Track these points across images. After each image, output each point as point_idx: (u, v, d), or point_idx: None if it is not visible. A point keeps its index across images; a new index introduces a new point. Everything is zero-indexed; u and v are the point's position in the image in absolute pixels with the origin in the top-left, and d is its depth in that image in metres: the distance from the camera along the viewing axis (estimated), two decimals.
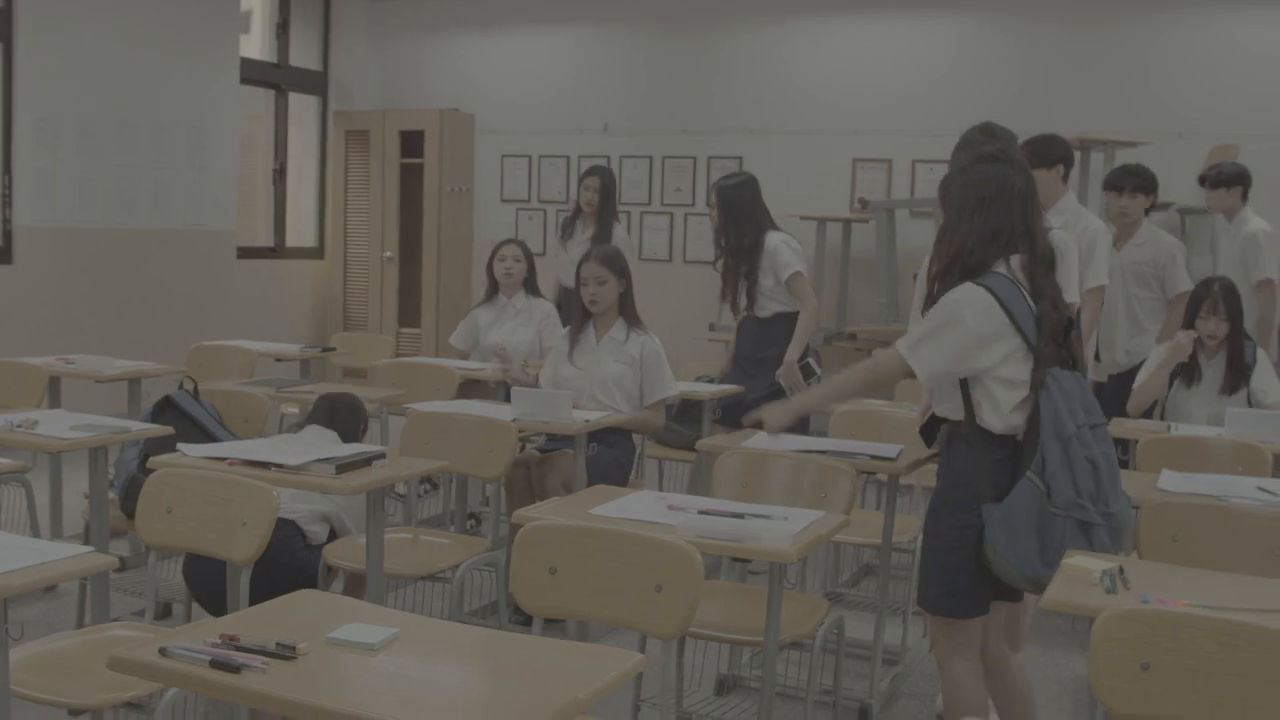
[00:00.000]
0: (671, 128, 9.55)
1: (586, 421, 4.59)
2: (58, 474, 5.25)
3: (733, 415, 5.42)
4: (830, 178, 8.97)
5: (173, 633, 2.25)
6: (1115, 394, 5.59)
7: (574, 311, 5.25)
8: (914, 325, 4.22)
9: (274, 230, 10.11)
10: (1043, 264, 3.18)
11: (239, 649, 2.13)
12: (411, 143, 10.04)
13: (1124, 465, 3.85)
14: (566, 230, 7.46)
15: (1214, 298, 5.23)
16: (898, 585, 4.99)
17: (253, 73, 9.56)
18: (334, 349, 7.22)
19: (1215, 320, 5.22)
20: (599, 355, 5.09)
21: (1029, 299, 3.14)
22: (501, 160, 10.22)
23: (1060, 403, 3.08)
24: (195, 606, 4.13)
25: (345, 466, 3.62)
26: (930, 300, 3.24)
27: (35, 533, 5.16)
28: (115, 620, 3.78)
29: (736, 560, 3.96)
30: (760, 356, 5.61)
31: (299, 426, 4.56)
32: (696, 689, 4.17)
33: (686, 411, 5.71)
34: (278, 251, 10.10)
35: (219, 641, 2.16)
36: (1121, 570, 2.70)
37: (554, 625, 3.57)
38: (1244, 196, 6.45)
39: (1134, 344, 5.98)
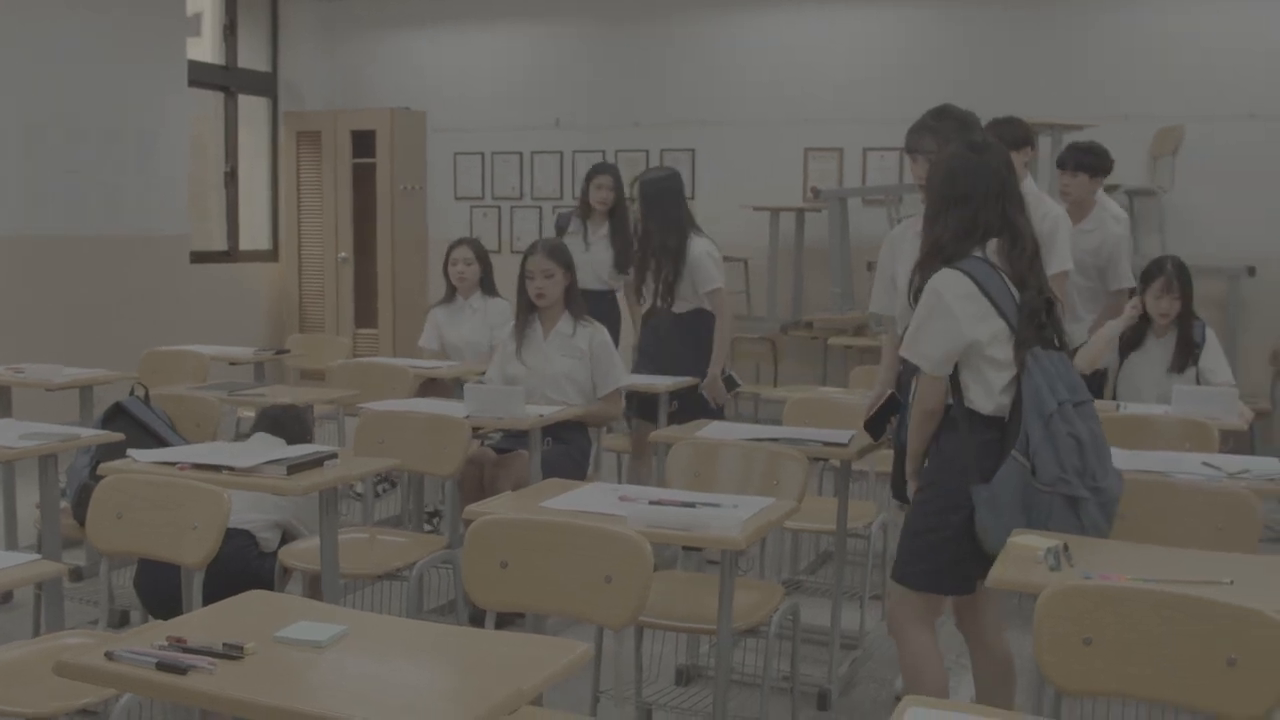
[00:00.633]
0: (623, 121, 9.56)
1: (540, 416, 4.59)
2: (10, 484, 5.19)
3: (688, 407, 5.46)
4: (782, 167, 9.01)
5: (121, 637, 2.24)
6: None
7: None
8: (876, 301, 4.25)
9: (227, 234, 10.05)
10: (1025, 254, 3.20)
11: (186, 650, 2.12)
12: (363, 142, 10.00)
13: None
14: (567, 229, 6.85)
15: (1168, 276, 5.28)
16: (855, 570, 5.02)
17: (201, 75, 9.49)
18: (289, 351, 7.18)
19: (1169, 299, 5.27)
20: (547, 351, 5.08)
21: (1008, 282, 3.17)
22: (454, 158, 10.20)
23: (1041, 381, 3.11)
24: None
25: (297, 467, 3.60)
26: (913, 291, 3.28)
27: None
28: (70, 629, 3.75)
29: (688, 549, 3.97)
30: (676, 351, 5.65)
31: (245, 436, 4.55)
32: (656, 679, 4.19)
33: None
34: (231, 255, 10.05)
35: (165, 644, 2.15)
36: (1066, 547, 2.74)
37: (518, 623, 3.59)
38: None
39: (1069, 331, 6.01)
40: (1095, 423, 3.17)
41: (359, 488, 5.90)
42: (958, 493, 3.16)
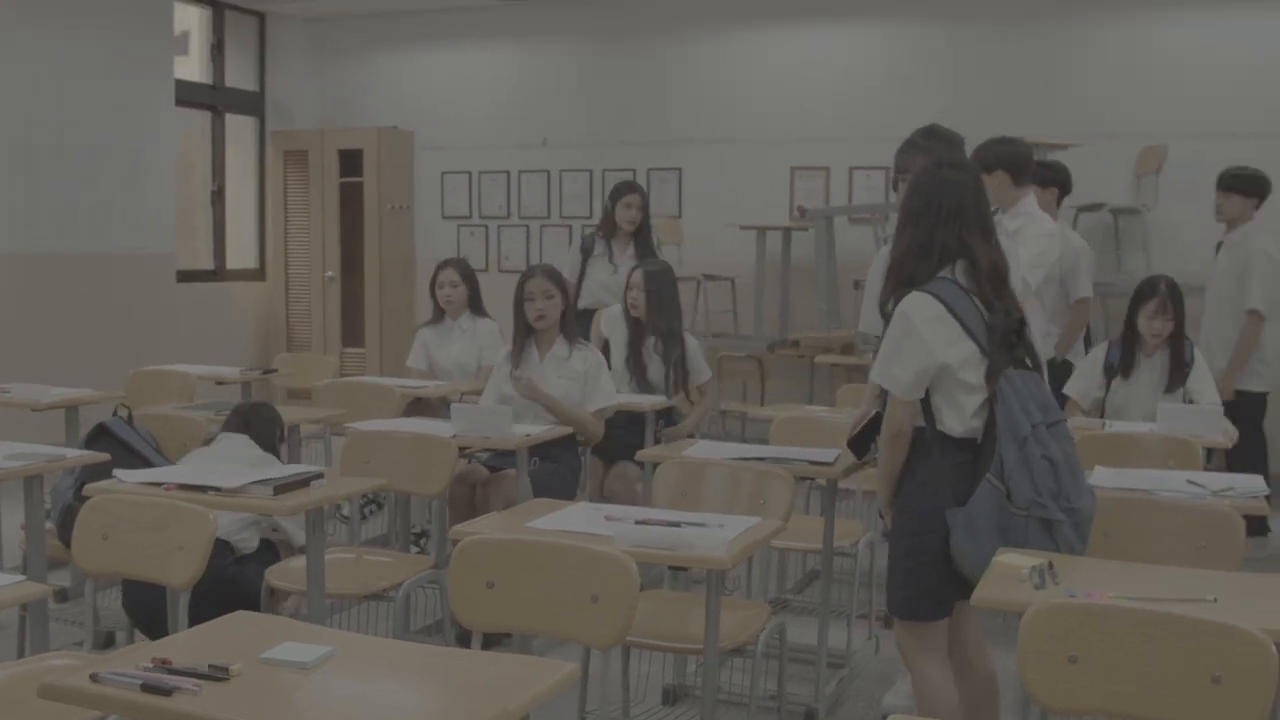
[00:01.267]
0: (610, 140, 9.58)
1: (527, 436, 4.59)
2: None
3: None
4: (769, 186, 9.04)
5: (106, 659, 2.24)
6: None
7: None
8: (865, 320, 4.27)
9: (214, 253, 10.04)
10: (990, 279, 3.18)
11: (171, 672, 2.12)
12: (351, 161, 10.01)
13: None
14: (593, 251, 6.72)
15: (1162, 297, 5.29)
16: (842, 589, 5.03)
17: (188, 94, 9.49)
18: (275, 370, 7.17)
19: (1162, 320, 5.28)
20: (544, 373, 5.10)
21: (979, 304, 3.16)
22: (442, 177, 10.22)
23: (1015, 404, 3.11)
24: (139, 635, 4.09)
25: (283, 487, 3.60)
26: (884, 314, 3.26)
27: None
28: (55, 651, 3.74)
29: (674, 569, 3.98)
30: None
31: (213, 438, 4.55)
32: (643, 699, 4.19)
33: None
34: (218, 274, 10.04)
35: (151, 665, 2.15)
36: (1051, 566, 2.75)
37: (505, 643, 3.58)
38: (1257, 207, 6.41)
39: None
40: (1069, 443, 3.18)
41: (345, 509, 5.89)
42: (932, 516, 3.15)
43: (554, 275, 5.16)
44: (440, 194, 10.24)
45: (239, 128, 10.23)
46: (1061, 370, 5.80)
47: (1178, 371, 5.30)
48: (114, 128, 8.65)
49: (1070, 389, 5.58)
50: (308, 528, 3.66)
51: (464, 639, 4.28)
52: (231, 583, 3.98)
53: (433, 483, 4.31)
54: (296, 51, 10.47)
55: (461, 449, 4.52)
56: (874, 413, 3.81)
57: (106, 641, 4.60)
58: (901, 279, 3.21)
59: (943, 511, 3.12)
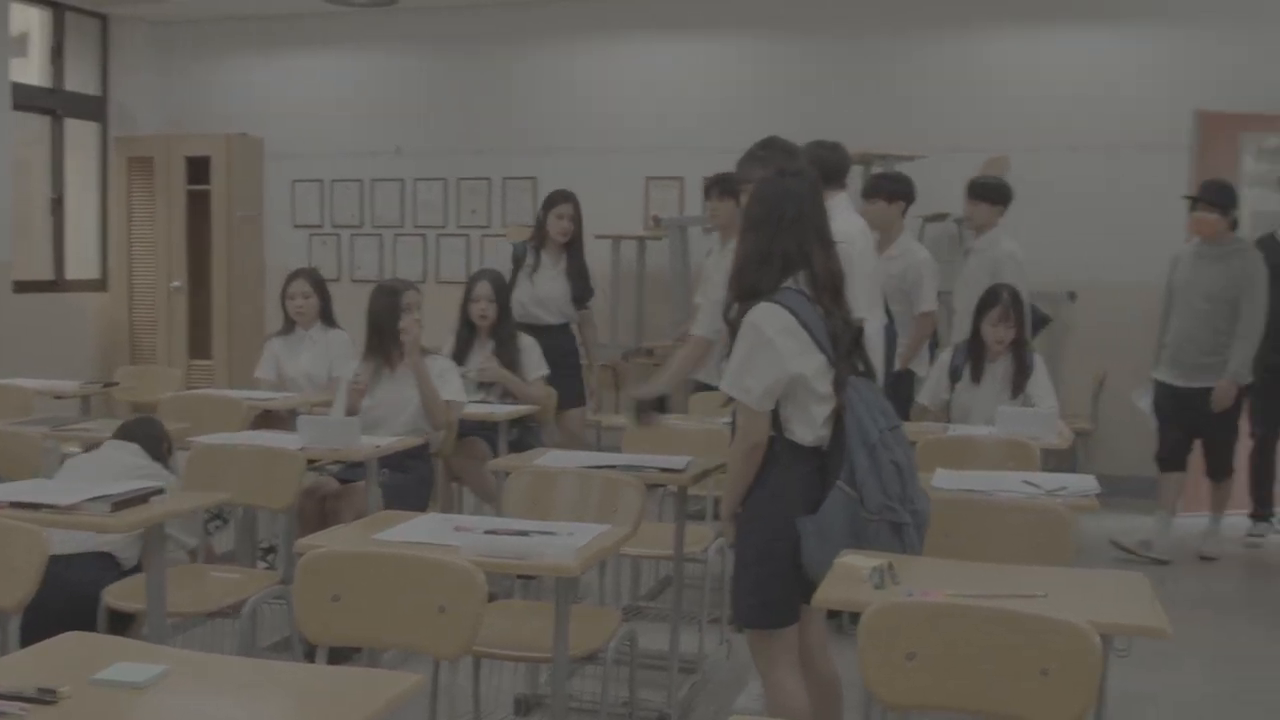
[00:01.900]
0: (465, 149, 9.53)
1: (376, 447, 4.55)
2: None
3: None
4: (624, 196, 9.06)
5: None
6: None
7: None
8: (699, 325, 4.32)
9: (53, 262, 9.70)
10: (826, 288, 3.23)
11: None
12: (198, 169, 9.76)
13: None
14: (524, 261, 6.49)
15: (1004, 305, 5.48)
16: (694, 594, 5.07)
17: (26, 98, 9.15)
18: (117, 384, 6.96)
19: (1004, 327, 5.48)
20: (398, 383, 5.22)
21: (822, 314, 3.20)
22: (292, 185, 10.03)
23: (862, 411, 3.16)
24: None
25: (122, 504, 3.49)
26: (730, 327, 3.28)
27: None
28: None
29: (523, 578, 3.97)
30: None
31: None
32: (495, 710, 4.16)
33: None
34: (57, 284, 9.70)
35: None
36: (891, 566, 2.81)
37: (355, 659, 3.53)
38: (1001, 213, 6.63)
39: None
40: (908, 447, 3.26)
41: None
42: (783, 525, 3.17)
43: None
44: (291, 202, 10.05)
45: (80, 133, 9.90)
46: (902, 380, 5.94)
47: (1020, 377, 5.49)
48: None
49: (922, 397, 5.75)
50: (146, 545, 3.56)
51: (311, 655, 4.22)
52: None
53: (280, 496, 4.24)
54: (141, 55, 10.17)
55: (310, 461, 4.45)
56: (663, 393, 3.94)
57: None
58: (744, 287, 3.24)
59: (793, 520, 3.16)
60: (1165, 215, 6.25)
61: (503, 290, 5.92)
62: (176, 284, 9.82)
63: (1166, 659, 4.61)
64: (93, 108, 9.97)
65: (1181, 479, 6.62)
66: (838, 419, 3.18)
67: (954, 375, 5.62)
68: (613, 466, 4.02)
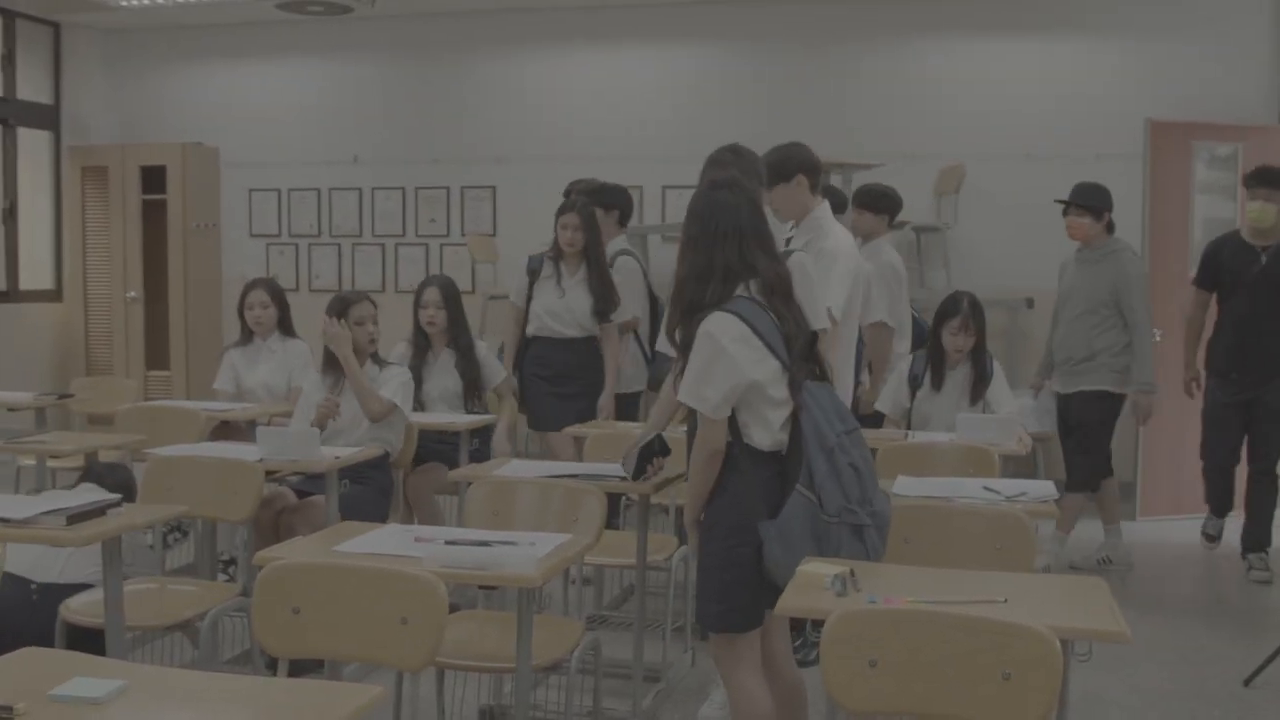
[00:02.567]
0: (423, 158, 9.50)
1: (336, 459, 4.52)
2: None
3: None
4: None
5: None
6: None
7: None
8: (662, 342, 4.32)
9: (5, 273, 9.59)
10: (777, 293, 3.25)
11: None
12: (153, 178, 9.69)
13: None
14: (539, 274, 6.29)
15: (964, 314, 5.51)
16: (657, 603, 5.07)
17: None
18: (73, 395, 6.88)
19: (964, 335, 5.52)
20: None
21: (775, 319, 3.22)
22: (249, 194, 9.97)
23: (819, 415, 3.18)
24: None
25: (77, 517, 3.45)
26: (683, 339, 3.27)
27: None
28: None
29: (485, 588, 3.95)
30: None
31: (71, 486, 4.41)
32: None
33: None
34: (10, 295, 9.60)
35: None
36: (852, 573, 2.81)
37: (317, 671, 3.50)
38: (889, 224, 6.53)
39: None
40: (865, 449, 3.28)
41: (149, 538, 5.68)
42: (745, 529, 3.19)
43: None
44: (248, 212, 9.99)
45: (32, 142, 9.80)
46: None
47: (980, 384, 5.53)
48: None
49: (883, 405, 5.76)
50: (104, 558, 3.52)
51: (273, 667, 4.18)
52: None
53: (239, 508, 4.20)
54: (94, 64, 10.09)
55: (269, 472, 4.41)
56: (655, 436, 3.90)
57: None
58: (685, 303, 3.25)
59: (755, 524, 3.17)
60: (1119, 222, 6.31)
61: (453, 297, 5.83)
62: (133, 294, 9.74)
63: (1125, 661, 4.65)
64: (45, 116, 9.87)
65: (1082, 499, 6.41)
66: (796, 423, 3.20)
67: (914, 383, 5.65)
68: (573, 476, 4.01)
